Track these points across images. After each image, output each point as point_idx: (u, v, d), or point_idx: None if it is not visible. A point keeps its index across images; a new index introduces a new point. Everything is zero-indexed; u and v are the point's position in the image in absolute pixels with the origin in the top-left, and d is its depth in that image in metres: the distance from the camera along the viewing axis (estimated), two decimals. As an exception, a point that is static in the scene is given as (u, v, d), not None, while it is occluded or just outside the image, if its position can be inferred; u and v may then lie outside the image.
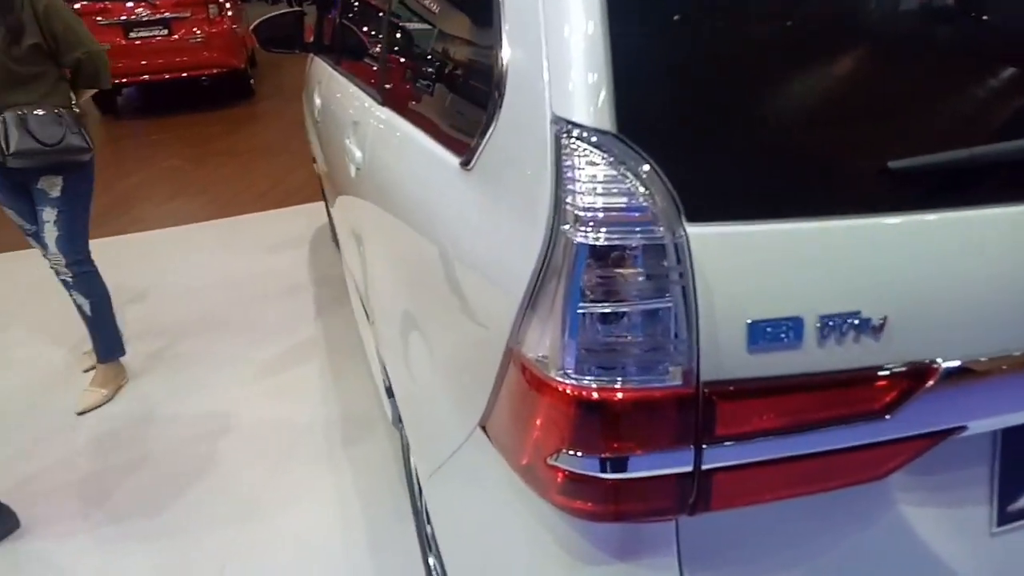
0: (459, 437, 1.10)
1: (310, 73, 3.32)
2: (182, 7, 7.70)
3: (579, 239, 0.76)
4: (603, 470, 0.81)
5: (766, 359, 0.79)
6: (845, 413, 0.81)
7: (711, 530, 0.88)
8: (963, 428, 0.85)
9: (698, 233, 0.77)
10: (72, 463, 2.57)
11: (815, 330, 0.79)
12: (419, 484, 1.66)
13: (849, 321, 0.79)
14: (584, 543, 0.88)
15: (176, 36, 7.71)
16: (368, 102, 1.68)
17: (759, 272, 0.78)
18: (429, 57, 1.36)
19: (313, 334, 3.32)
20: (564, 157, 0.78)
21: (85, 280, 2.81)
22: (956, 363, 0.82)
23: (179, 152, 6.51)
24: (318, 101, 2.67)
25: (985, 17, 0.90)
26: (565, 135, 0.78)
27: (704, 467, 0.81)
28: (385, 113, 1.53)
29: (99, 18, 7.64)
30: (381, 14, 1.76)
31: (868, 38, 0.87)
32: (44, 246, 2.74)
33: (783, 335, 0.78)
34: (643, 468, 0.81)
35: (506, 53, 0.89)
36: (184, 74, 7.91)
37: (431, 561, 1.82)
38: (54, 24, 2.52)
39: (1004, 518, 0.96)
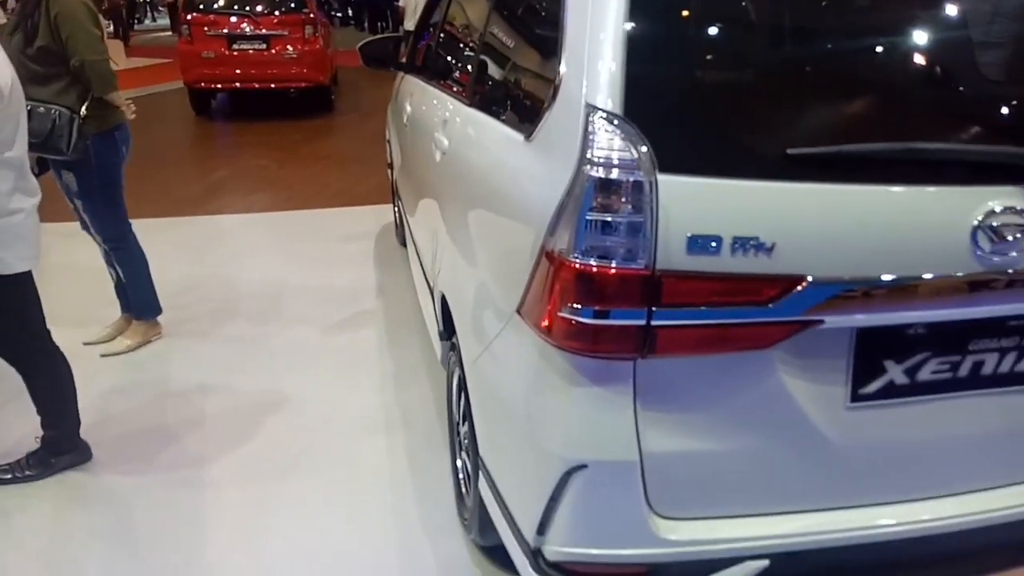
0: (501, 323, 1.63)
1: (399, 89, 3.95)
2: (282, 26, 8.58)
3: (592, 174, 1.30)
4: (593, 318, 1.33)
5: (697, 259, 1.31)
6: (744, 300, 1.32)
7: (654, 375, 1.39)
8: (821, 321, 1.35)
9: (664, 179, 1.30)
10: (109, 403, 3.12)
11: (729, 246, 1.30)
12: (461, 396, 2.18)
13: (751, 242, 1.30)
14: (576, 374, 1.40)
15: (273, 51, 8.56)
16: (457, 104, 2.27)
17: (699, 205, 1.31)
18: (506, 71, 1.94)
19: (373, 306, 3.88)
20: (589, 127, 1.33)
21: (117, 255, 3.31)
22: (818, 277, 1.32)
23: (264, 153, 7.25)
24: (409, 109, 3.28)
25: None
26: (592, 113, 1.33)
27: (653, 323, 1.32)
28: (470, 111, 2.10)
29: (207, 29, 8.56)
30: (472, 43, 2.35)
31: (774, 66, 1.41)
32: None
33: (710, 246, 1.30)
34: (616, 319, 1.33)
35: (563, 68, 1.45)
36: (274, 85, 8.74)
37: (459, 462, 2.32)
38: (62, 31, 2.82)
39: (856, 398, 1.44)
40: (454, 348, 2.24)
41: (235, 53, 8.60)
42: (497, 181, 1.73)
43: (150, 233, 3.56)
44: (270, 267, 4.39)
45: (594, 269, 1.31)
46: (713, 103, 1.39)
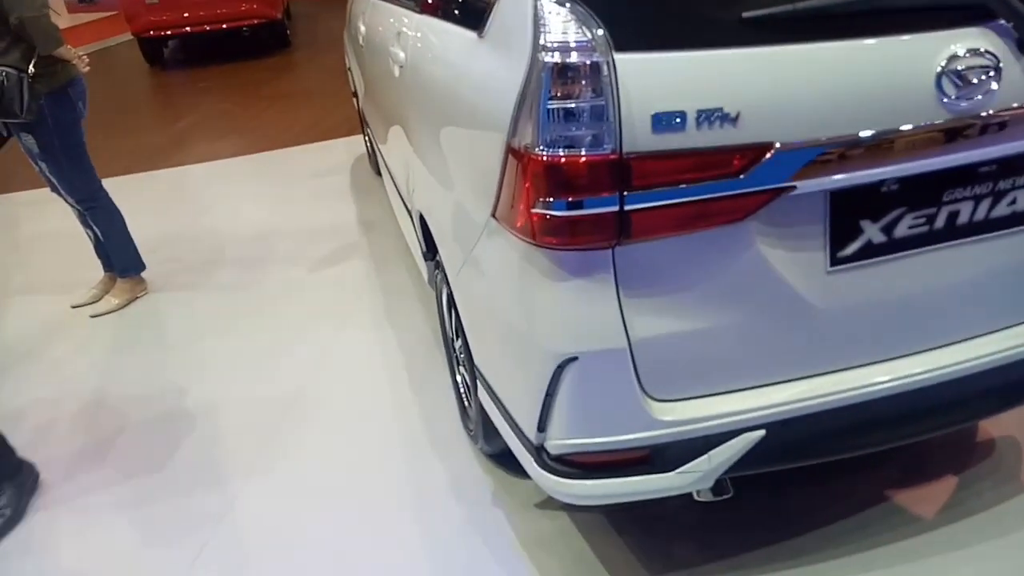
0: (479, 231, 1.62)
1: (351, 12, 3.81)
2: (224, -40, 8.20)
3: (548, 60, 1.27)
4: (567, 210, 1.32)
5: (664, 138, 1.28)
6: (715, 174, 1.31)
7: (633, 260, 1.38)
8: (793, 187, 1.34)
9: (621, 58, 1.26)
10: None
11: (694, 120, 1.28)
12: (452, 312, 2.19)
13: (715, 113, 1.28)
14: (557, 269, 1.39)
15: (219, -12, 8.22)
16: (408, 14, 2.19)
17: (659, 82, 1.27)
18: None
19: (357, 239, 3.86)
20: (540, 12, 1.28)
21: (92, 215, 3.23)
22: (786, 143, 1.30)
23: (226, 97, 7.07)
24: (363, 29, 3.17)
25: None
26: (541, -1, 1.28)
27: (626, 208, 1.31)
28: (422, 18, 2.03)
29: (146, -28, 8.19)
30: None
31: None
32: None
33: (674, 122, 1.28)
34: (589, 208, 1.31)
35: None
36: (225, 25, 8.43)
37: (457, 378, 2.35)
38: None
39: (835, 261, 1.45)
40: (439, 267, 2.23)
41: (179, -5, 8.26)
42: (455, 84, 1.68)
43: (121, 190, 3.51)
44: (248, 212, 4.34)
45: (561, 160, 1.29)
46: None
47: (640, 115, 1.27)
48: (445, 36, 1.79)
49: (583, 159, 1.29)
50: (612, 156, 1.28)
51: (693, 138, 1.29)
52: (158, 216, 4.32)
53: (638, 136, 1.28)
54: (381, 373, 2.72)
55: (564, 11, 1.27)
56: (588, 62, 1.26)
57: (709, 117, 1.28)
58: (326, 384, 2.70)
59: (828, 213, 1.41)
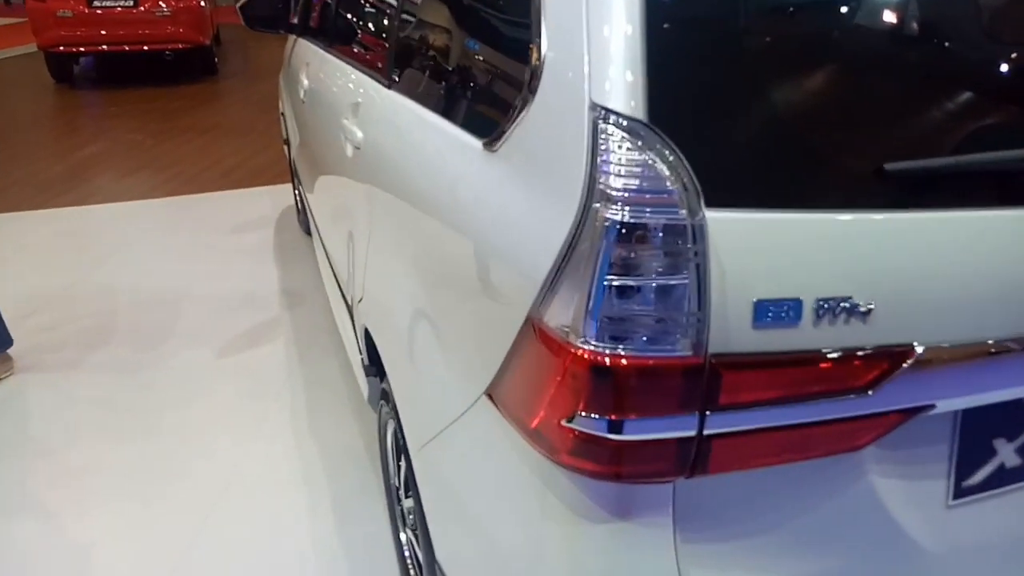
0: (462, 405, 1.16)
1: (293, 55, 3.32)
2: (149, -22, 7.56)
3: (610, 216, 0.84)
4: (615, 432, 0.88)
5: (768, 335, 0.87)
6: (835, 388, 0.90)
7: (703, 494, 0.96)
8: (932, 406, 0.95)
9: (715, 217, 0.85)
10: None
11: (812, 311, 0.87)
12: (401, 458, 1.71)
13: (842, 305, 0.88)
14: (587, 502, 0.95)
15: (142, 8, 7.56)
16: (373, 85, 1.73)
17: (766, 255, 0.86)
18: (449, 46, 1.42)
19: (278, 314, 3.32)
20: (600, 141, 0.86)
21: None
22: (929, 348, 0.92)
23: (140, 126, 6.38)
24: (306, 82, 2.69)
25: (977, 37, 1.01)
26: (602, 120, 0.86)
27: (705, 433, 0.89)
28: (393, 96, 1.58)
29: (61, -17, 7.45)
30: (393, 3, 1.80)
31: (869, 53, 0.97)
32: None
33: (784, 314, 0.87)
34: (652, 431, 0.88)
35: (545, 46, 0.96)
36: (146, 47, 7.75)
37: (403, 536, 1.87)
38: None
39: (959, 492, 1.06)
40: (385, 396, 1.76)
41: (97, 11, 7.55)
42: (440, 200, 1.23)
43: (-5, 235, 2.88)
44: (151, 270, 3.73)
45: (620, 361, 0.86)
46: (778, 101, 0.93)
47: (737, 302, 0.86)
48: (430, 133, 1.33)
49: (652, 362, 0.86)
50: (693, 360, 0.86)
51: (808, 337, 0.88)
52: (40, 268, 3.65)
53: (732, 332, 0.86)
54: (302, 507, 2.18)
55: (636, 143, 0.85)
56: (667, 222, 0.84)
57: (833, 308, 0.88)
58: (232, 523, 2.14)
59: (957, 434, 1.03)
